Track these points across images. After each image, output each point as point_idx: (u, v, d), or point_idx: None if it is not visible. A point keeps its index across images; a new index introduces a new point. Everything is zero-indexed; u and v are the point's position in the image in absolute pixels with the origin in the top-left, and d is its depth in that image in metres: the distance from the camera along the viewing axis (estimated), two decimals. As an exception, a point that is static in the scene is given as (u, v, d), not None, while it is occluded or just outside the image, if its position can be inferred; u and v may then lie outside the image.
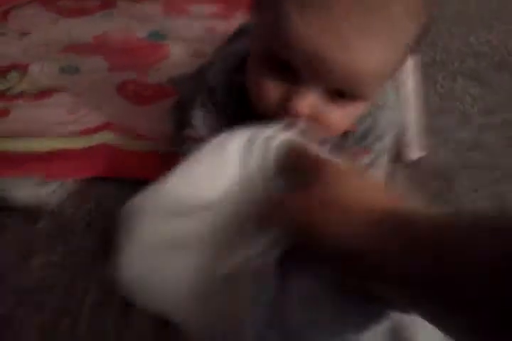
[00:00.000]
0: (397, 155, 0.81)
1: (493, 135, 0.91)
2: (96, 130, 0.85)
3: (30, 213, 0.67)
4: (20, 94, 0.93)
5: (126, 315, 0.55)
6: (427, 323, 0.30)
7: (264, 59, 0.48)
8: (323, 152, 0.39)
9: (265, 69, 0.48)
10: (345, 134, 0.61)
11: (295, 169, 0.39)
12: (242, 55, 0.58)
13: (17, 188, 0.68)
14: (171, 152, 0.71)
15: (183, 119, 0.68)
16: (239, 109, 0.60)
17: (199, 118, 0.63)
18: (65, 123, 0.86)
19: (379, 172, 0.67)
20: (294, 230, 0.34)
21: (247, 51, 0.55)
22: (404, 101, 0.78)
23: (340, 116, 0.49)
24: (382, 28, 0.41)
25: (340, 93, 0.47)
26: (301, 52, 0.43)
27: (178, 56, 1.12)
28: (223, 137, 0.43)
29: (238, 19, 1.17)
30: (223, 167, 0.41)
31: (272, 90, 0.49)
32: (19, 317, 0.54)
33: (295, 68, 0.45)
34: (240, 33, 0.76)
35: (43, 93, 0.95)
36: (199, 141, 0.62)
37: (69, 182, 0.72)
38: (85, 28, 1.23)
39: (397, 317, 0.35)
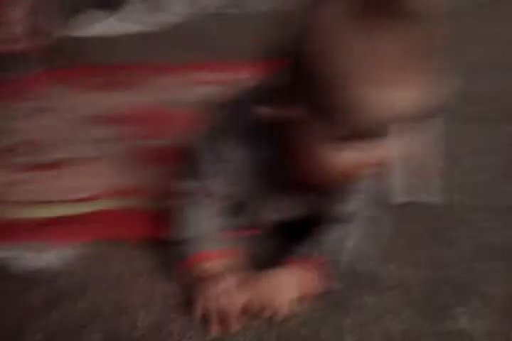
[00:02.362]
0: (383, 199, 0.83)
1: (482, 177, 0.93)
2: (101, 196, 0.87)
3: (29, 279, 0.70)
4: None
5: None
6: None
7: (337, 139, 0.55)
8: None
9: (331, 148, 0.56)
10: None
11: None
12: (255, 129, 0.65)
13: (19, 256, 0.72)
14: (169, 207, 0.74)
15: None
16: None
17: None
18: (75, 191, 0.89)
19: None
20: None
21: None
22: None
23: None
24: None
25: None
26: (387, 120, 0.53)
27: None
28: None
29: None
30: None
31: (347, 161, 0.57)
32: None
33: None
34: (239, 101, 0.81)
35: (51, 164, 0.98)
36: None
37: (66, 250, 0.75)
38: (111, 101, 1.26)
39: None
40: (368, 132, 0.54)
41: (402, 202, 0.82)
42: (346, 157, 0.56)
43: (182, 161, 0.75)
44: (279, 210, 0.73)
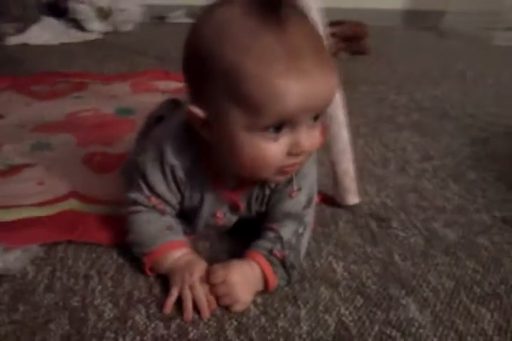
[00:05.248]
0: (338, 200, 0.88)
1: (429, 179, 0.99)
2: (61, 199, 0.90)
3: (-5, 278, 0.71)
4: (-8, 172, 1.00)
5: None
6: None
7: (255, 130, 0.58)
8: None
9: (259, 139, 0.59)
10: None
11: None
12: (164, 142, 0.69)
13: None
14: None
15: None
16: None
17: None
18: (33, 195, 0.92)
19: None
20: None
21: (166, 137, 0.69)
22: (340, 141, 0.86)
23: (318, 135, 0.62)
24: (330, 68, 0.57)
25: (315, 117, 0.60)
26: (302, 107, 0.56)
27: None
28: None
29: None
30: None
31: (279, 150, 0.59)
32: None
33: (291, 121, 0.57)
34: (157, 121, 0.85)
35: (14, 169, 1.02)
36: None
37: (32, 248, 0.77)
38: (57, 109, 1.32)
39: None
40: (289, 120, 0.58)
41: (354, 203, 0.87)
42: (275, 147, 0.59)
43: (126, 172, 0.77)
44: (231, 211, 0.75)
